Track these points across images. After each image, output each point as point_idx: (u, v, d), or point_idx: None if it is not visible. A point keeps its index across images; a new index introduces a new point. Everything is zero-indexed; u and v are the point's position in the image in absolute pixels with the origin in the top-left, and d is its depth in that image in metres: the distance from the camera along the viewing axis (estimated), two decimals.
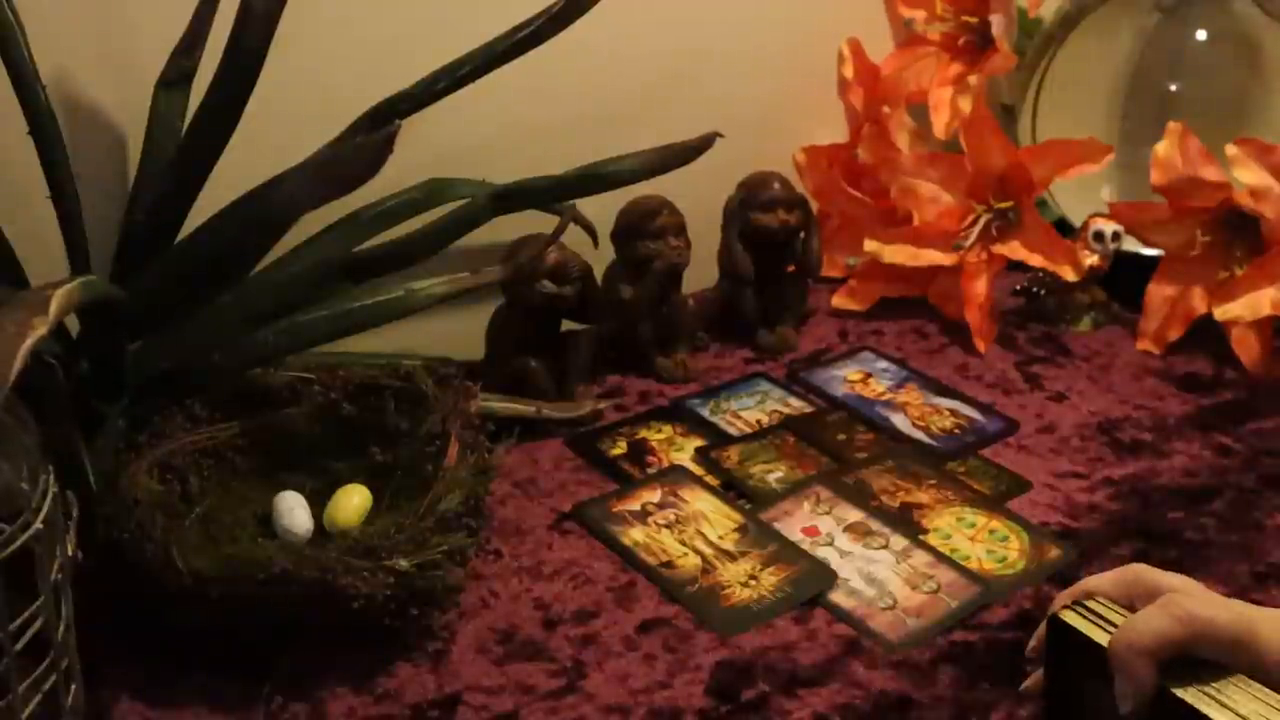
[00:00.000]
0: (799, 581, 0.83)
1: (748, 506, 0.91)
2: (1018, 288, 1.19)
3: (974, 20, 1.24)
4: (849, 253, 1.23)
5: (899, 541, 0.86)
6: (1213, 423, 1.01)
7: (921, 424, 1.02)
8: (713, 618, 0.80)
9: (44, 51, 0.80)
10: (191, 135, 0.83)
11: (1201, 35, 1.24)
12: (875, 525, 0.88)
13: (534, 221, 1.01)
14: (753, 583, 0.83)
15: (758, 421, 1.02)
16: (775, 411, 1.03)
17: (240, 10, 0.77)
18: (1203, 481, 0.94)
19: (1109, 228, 1.15)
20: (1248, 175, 1.04)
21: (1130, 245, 1.16)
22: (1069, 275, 1.13)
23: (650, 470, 0.95)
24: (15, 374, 0.55)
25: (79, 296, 0.64)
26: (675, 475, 0.94)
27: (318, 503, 0.83)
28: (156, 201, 0.86)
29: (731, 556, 0.85)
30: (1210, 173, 1.06)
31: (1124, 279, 1.16)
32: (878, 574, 0.83)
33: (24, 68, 0.79)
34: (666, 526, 0.88)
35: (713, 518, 0.89)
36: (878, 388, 1.07)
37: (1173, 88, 1.25)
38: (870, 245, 1.16)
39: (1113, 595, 0.55)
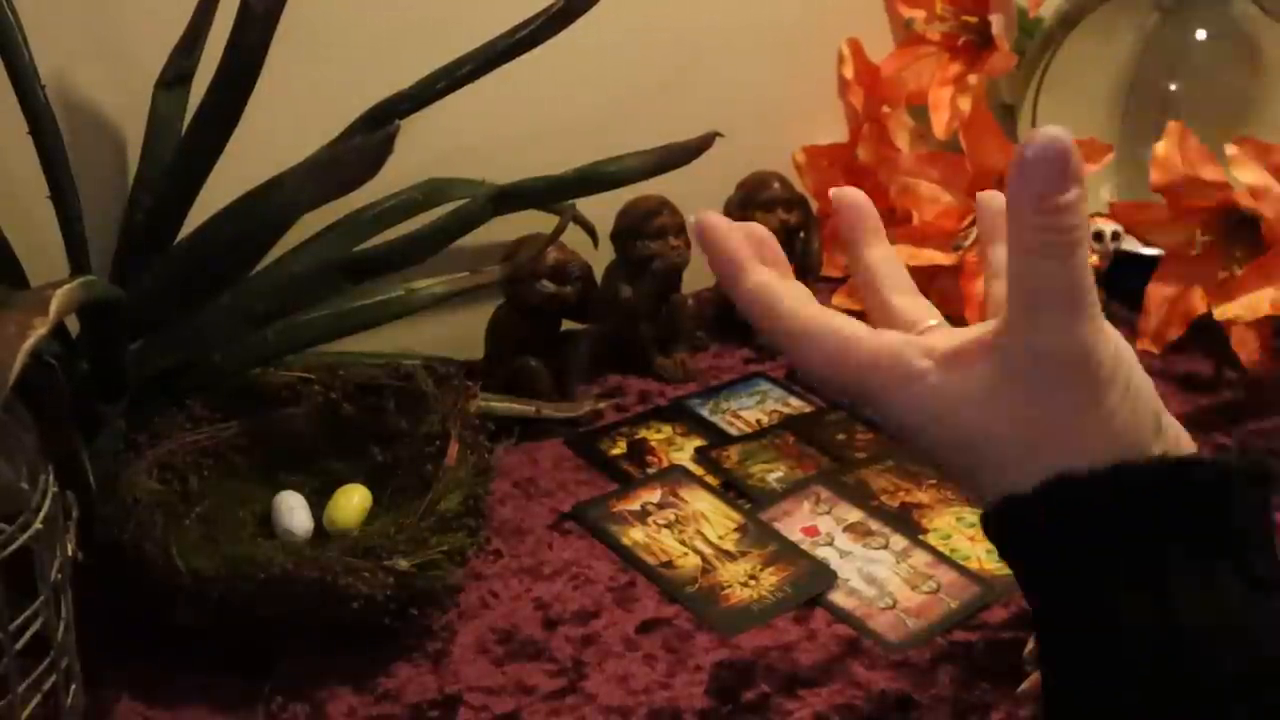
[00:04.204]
0: (799, 581, 0.83)
1: (748, 506, 0.91)
2: None
3: (974, 20, 1.23)
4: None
5: (899, 541, 0.87)
6: (1213, 423, 1.01)
7: None
8: (713, 618, 0.80)
9: (44, 51, 0.80)
10: (191, 135, 0.83)
11: (1201, 35, 1.24)
12: (875, 525, 0.88)
13: (534, 221, 1.01)
14: (753, 583, 0.83)
15: (758, 421, 1.02)
16: (775, 411, 1.03)
17: (240, 10, 0.77)
18: None
19: (1109, 227, 1.15)
20: (1247, 175, 1.04)
21: (1130, 245, 1.16)
22: None
23: (650, 470, 0.95)
24: (15, 374, 0.55)
25: (79, 296, 0.64)
26: (675, 475, 0.94)
27: (318, 503, 0.83)
28: (156, 201, 0.86)
29: (731, 556, 0.85)
30: (1210, 173, 1.06)
31: (1124, 279, 1.16)
32: (878, 574, 0.84)
33: (24, 68, 0.79)
34: (666, 526, 0.88)
35: (712, 518, 0.89)
36: None
37: (1173, 88, 1.25)
38: None
39: None
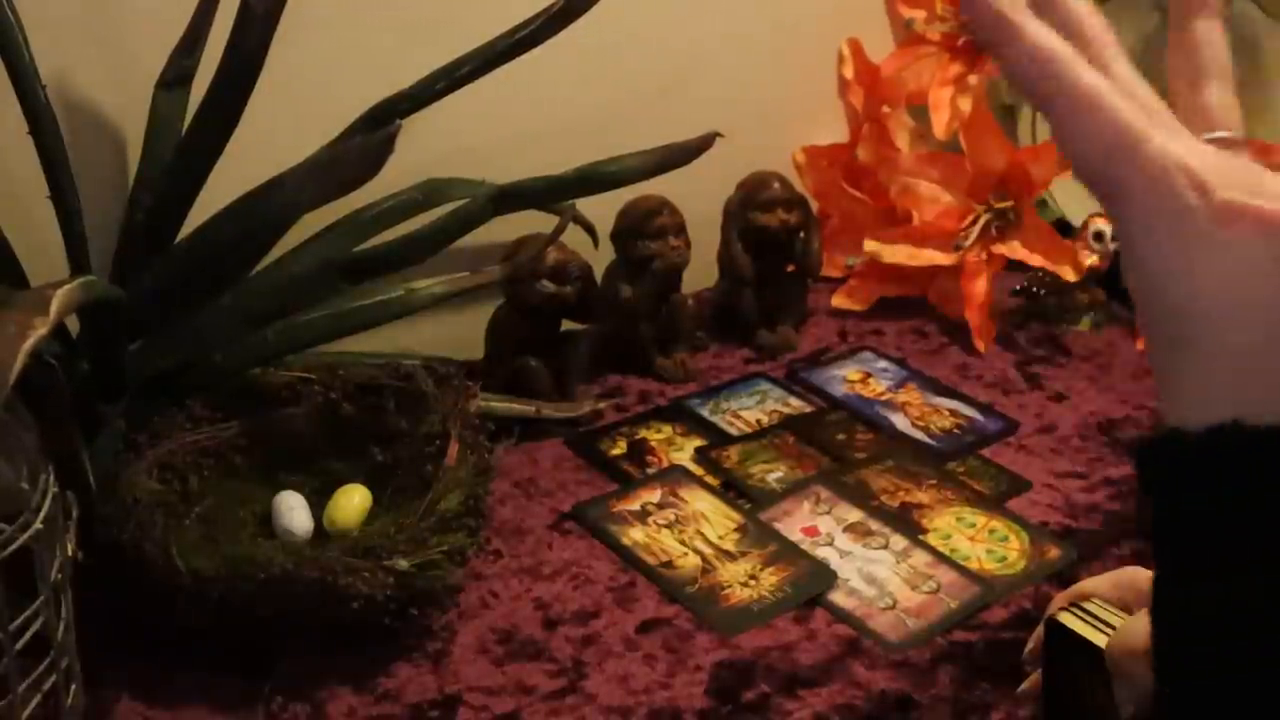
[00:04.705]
0: (799, 581, 0.83)
1: (747, 506, 0.91)
2: (1018, 288, 1.19)
3: None
4: (849, 253, 1.23)
5: (899, 541, 0.86)
6: None
7: (921, 424, 1.02)
8: (713, 618, 0.80)
9: (44, 51, 0.80)
10: (191, 135, 0.83)
11: None
12: (875, 525, 0.88)
13: (534, 221, 1.01)
14: (752, 583, 0.83)
15: (758, 421, 1.02)
16: (775, 411, 1.03)
17: (240, 10, 0.77)
18: None
19: (1109, 227, 1.15)
20: None
21: None
22: (1069, 275, 1.13)
23: (650, 470, 0.95)
24: (15, 374, 0.55)
25: (79, 296, 0.64)
26: (675, 475, 0.94)
27: (318, 503, 0.83)
28: (156, 201, 0.86)
29: (731, 556, 0.85)
30: None
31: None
32: (878, 574, 0.84)
33: (24, 68, 0.79)
34: (666, 526, 0.88)
35: (712, 518, 0.89)
36: (877, 388, 1.07)
37: None
38: (870, 245, 1.16)
39: (1109, 597, 0.55)
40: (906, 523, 0.89)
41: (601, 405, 1.03)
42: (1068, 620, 0.54)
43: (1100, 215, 1.16)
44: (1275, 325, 0.35)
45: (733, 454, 0.97)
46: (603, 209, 1.04)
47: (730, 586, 0.82)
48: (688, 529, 0.88)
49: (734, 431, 1.01)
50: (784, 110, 1.25)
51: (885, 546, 0.86)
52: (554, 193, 0.96)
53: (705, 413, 1.03)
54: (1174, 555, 0.38)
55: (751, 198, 1.11)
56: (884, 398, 1.06)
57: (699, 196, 1.08)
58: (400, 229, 0.93)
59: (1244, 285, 0.35)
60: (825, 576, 0.83)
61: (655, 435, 1.00)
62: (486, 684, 0.75)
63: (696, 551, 0.86)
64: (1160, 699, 0.38)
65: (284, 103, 0.87)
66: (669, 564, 0.85)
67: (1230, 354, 0.36)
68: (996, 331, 1.15)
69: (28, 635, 0.59)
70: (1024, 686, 0.65)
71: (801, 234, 1.13)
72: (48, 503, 0.61)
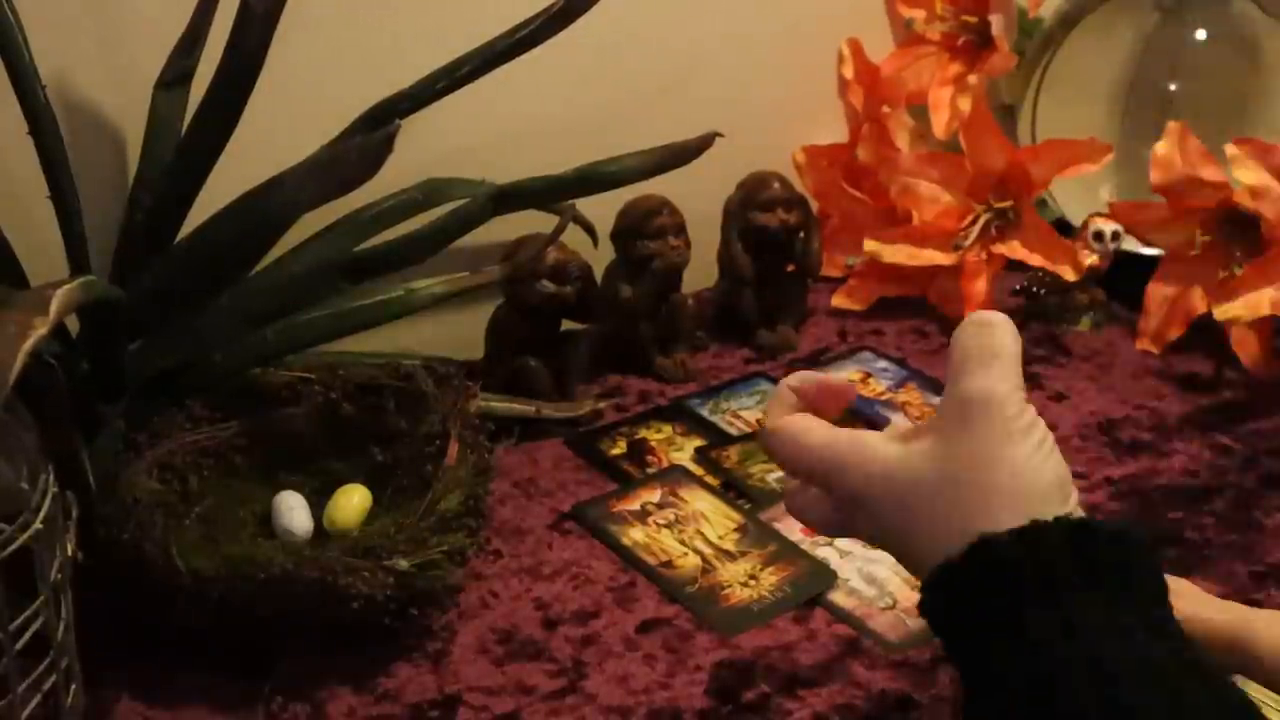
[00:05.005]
0: (799, 581, 0.83)
1: (747, 506, 0.91)
2: (1017, 288, 1.19)
3: (974, 20, 1.23)
4: (849, 253, 1.23)
5: None
6: (1212, 423, 1.01)
7: None
8: (713, 618, 0.80)
9: (44, 51, 0.80)
10: (191, 135, 0.83)
11: (1201, 35, 1.24)
12: None
13: (534, 221, 1.01)
14: (752, 583, 0.83)
15: (757, 421, 1.02)
16: None
17: (240, 10, 0.77)
18: (1202, 481, 0.94)
19: (1109, 227, 1.15)
20: (1247, 175, 1.04)
21: (1130, 245, 1.16)
22: (1069, 275, 1.13)
23: (650, 470, 0.95)
24: (15, 374, 0.55)
25: (79, 296, 0.64)
26: (675, 475, 0.94)
27: (318, 503, 0.83)
28: (156, 201, 0.86)
29: (731, 556, 0.85)
30: (1210, 173, 1.06)
31: (1124, 279, 1.16)
32: (878, 574, 0.84)
33: (24, 68, 0.79)
34: (666, 526, 0.88)
35: (712, 517, 0.89)
36: (878, 387, 1.07)
37: (1173, 88, 1.25)
38: (870, 245, 1.16)
39: None
40: None
41: (601, 405, 1.03)
42: None
43: (1100, 215, 1.16)
44: (952, 471, 0.48)
45: (733, 454, 0.97)
46: (603, 209, 1.04)
47: (730, 586, 0.82)
48: (688, 529, 0.88)
49: (734, 431, 1.01)
50: (784, 110, 1.25)
51: None
52: (554, 193, 0.96)
53: (705, 412, 1.03)
54: (977, 672, 0.47)
55: (751, 198, 1.11)
56: (884, 397, 1.06)
57: (699, 196, 1.08)
58: (400, 229, 0.93)
59: (930, 465, 0.49)
60: (825, 576, 0.83)
61: (655, 435, 1.00)
62: (486, 684, 0.75)
63: (696, 551, 0.86)
64: None
65: (284, 103, 0.87)
66: (669, 564, 0.85)
67: (950, 496, 0.48)
68: None
69: (28, 635, 0.60)
70: None
71: (801, 234, 1.13)
72: (48, 503, 0.61)
